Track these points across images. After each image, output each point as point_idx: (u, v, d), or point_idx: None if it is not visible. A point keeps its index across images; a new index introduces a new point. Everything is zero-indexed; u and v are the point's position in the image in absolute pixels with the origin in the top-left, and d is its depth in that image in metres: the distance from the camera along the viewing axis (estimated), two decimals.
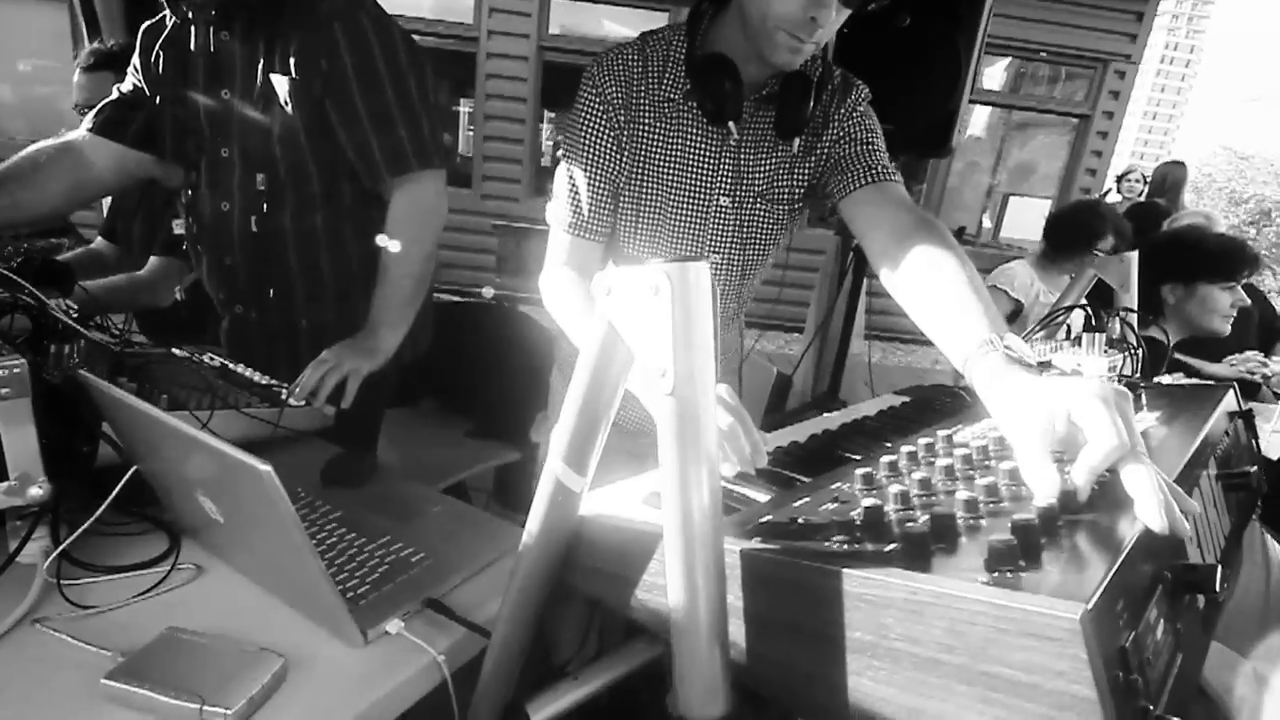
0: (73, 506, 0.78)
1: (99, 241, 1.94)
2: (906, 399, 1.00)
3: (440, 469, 1.67)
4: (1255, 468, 0.69)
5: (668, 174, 0.97)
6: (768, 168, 0.98)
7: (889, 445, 0.73)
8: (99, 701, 0.61)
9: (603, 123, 0.94)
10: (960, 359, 0.65)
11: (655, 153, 0.96)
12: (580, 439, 0.51)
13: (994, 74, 6.14)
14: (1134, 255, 1.47)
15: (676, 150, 0.96)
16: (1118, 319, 1.13)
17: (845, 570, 0.40)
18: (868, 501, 0.47)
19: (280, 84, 1.11)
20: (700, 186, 0.98)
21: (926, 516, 0.43)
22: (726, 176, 0.97)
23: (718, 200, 0.98)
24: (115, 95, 1.22)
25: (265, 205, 1.18)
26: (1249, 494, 0.69)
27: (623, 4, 5.59)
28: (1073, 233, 2.39)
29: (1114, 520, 0.44)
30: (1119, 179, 4.77)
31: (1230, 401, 0.80)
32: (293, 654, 0.67)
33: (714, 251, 1.02)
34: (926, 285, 0.76)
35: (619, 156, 0.96)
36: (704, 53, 0.91)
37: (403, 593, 0.77)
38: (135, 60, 1.20)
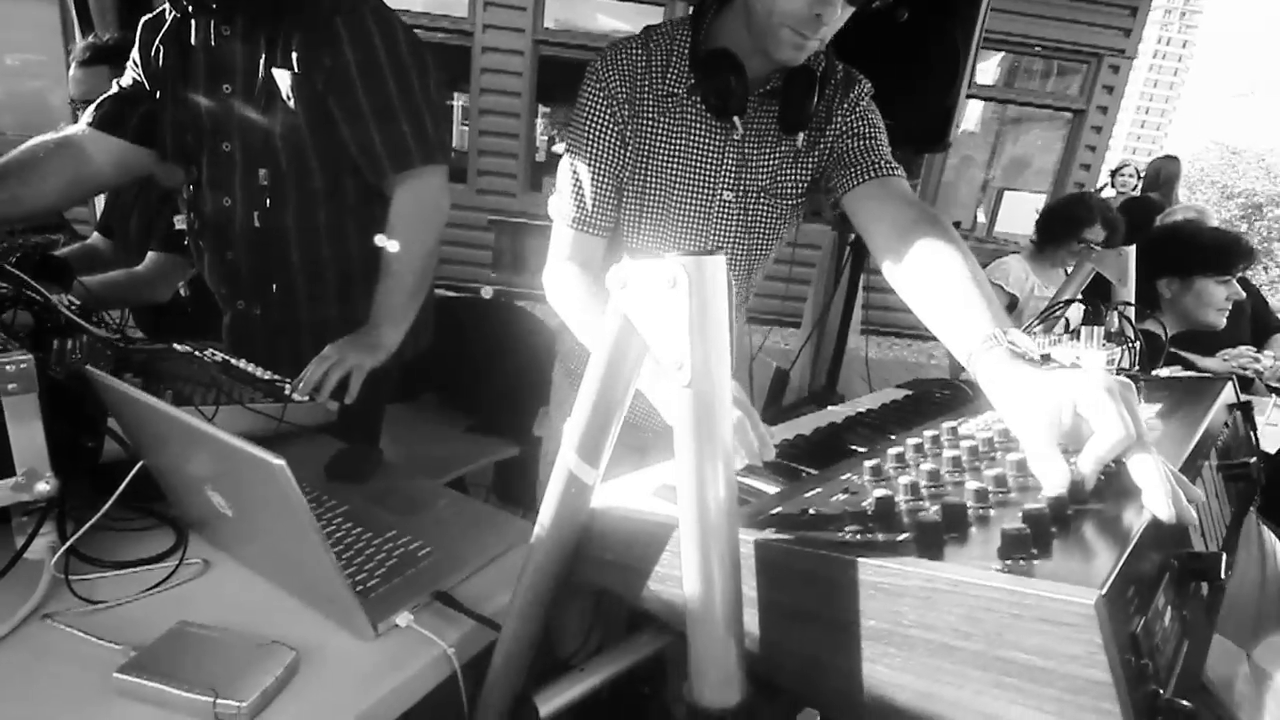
0: (78, 502, 0.78)
1: (95, 237, 1.93)
2: (908, 392, 1.01)
3: (440, 464, 1.68)
4: (1255, 459, 0.70)
5: (671, 169, 0.97)
6: (771, 162, 0.99)
7: (893, 437, 0.74)
8: (111, 696, 0.61)
9: (606, 117, 0.94)
10: (964, 353, 0.66)
11: (659, 147, 0.96)
12: (594, 432, 0.51)
13: (987, 68, 6.16)
14: (1131, 249, 1.48)
15: (680, 145, 0.96)
16: (1116, 313, 1.14)
17: (860, 559, 0.40)
18: (879, 492, 0.48)
19: (282, 79, 1.10)
20: (704, 181, 0.98)
21: (938, 506, 0.44)
22: (730, 171, 0.97)
23: (721, 195, 0.99)
24: (115, 90, 1.21)
25: (268, 201, 1.18)
26: (1248, 484, 0.70)
27: None
28: (1061, 224, 2.42)
29: (1121, 509, 0.45)
30: (1113, 174, 4.80)
31: (1229, 394, 0.81)
32: (303, 647, 0.67)
33: (717, 247, 1.02)
34: (930, 280, 0.76)
35: (623, 151, 0.96)
36: (708, 48, 0.91)
37: (411, 586, 0.78)
38: (135, 55, 1.19)
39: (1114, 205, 3.41)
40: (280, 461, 0.58)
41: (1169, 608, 0.41)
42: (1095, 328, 1.03)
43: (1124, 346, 1.07)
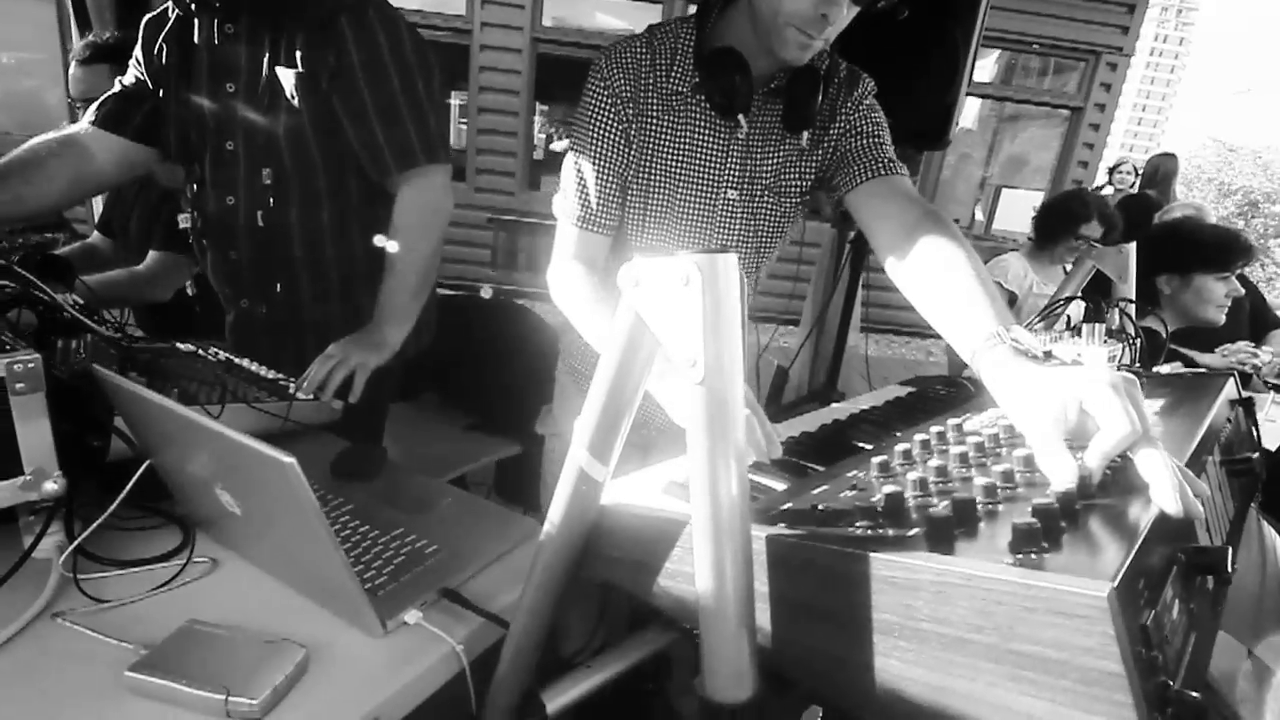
0: (84, 501, 0.78)
1: (94, 236, 1.92)
2: (911, 389, 1.02)
3: (441, 463, 1.68)
4: (1257, 454, 0.70)
5: (676, 167, 0.97)
6: (775, 161, 0.99)
7: (898, 434, 0.74)
8: (123, 694, 0.61)
9: (611, 116, 0.94)
10: (968, 351, 0.67)
11: (663, 146, 0.96)
12: (605, 429, 0.52)
13: (984, 66, 6.16)
14: (1132, 247, 1.49)
15: (684, 143, 0.96)
16: (1117, 309, 1.15)
17: (873, 554, 0.41)
18: (888, 488, 0.48)
19: (286, 78, 1.10)
20: (708, 179, 0.98)
21: (947, 502, 0.44)
22: (734, 169, 0.98)
23: (725, 193, 0.99)
24: (117, 88, 1.21)
25: (271, 200, 1.18)
26: (1250, 479, 0.71)
27: None
28: (1058, 220, 2.43)
29: (1128, 504, 0.45)
30: (1111, 171, 4.81)
31: (1231, 390, 0.81)
32: (312, 644, 0.67)
33: (721, 244, 1.03)
34: (933, 278, 0.77)
35: (627, 150, 0.96)
36: (713, 46, 0.91)
37: (419, 583, 0.78)
38: (138, 53, 1.19)
39: (1112, 202, 3.42)
40: (290, 459, 0.58)
41: (1176, 601, 0.42)
42: (1096, 324, 1.04)
43: (1125, 343, 1.07)
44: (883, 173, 0.92)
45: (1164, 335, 1.31)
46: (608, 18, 5.77)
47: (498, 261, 5.69)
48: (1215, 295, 1.75)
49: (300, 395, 1.07)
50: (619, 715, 0.83)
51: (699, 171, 0.98)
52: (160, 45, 1.16)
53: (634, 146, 0.96)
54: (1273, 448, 1.46)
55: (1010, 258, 2.54)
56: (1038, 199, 5.73)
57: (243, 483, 0.70)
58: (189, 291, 1.56)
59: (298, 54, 1.10)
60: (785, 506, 0.52)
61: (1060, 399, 0.52)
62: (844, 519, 0.47)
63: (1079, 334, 1.03)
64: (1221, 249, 1.75)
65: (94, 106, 1.19)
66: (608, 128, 0.94)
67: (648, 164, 0.97)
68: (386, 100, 1.13)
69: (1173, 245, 1.79)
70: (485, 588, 0.80)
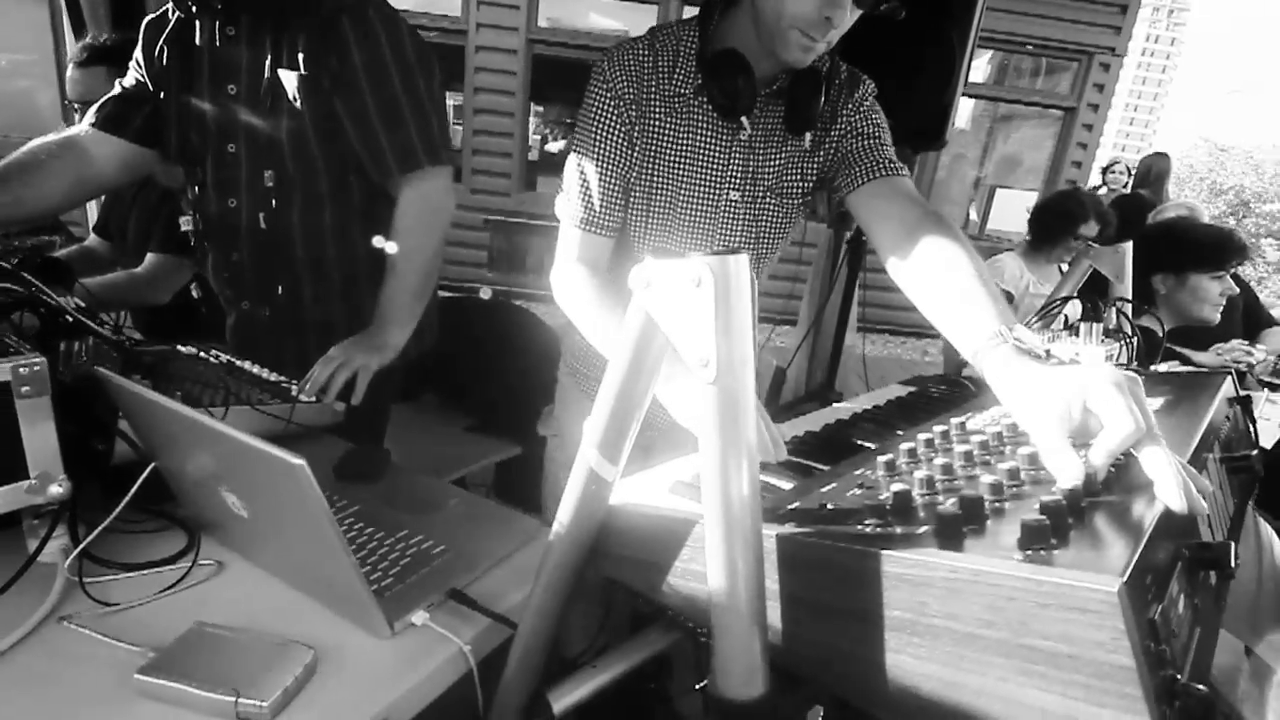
0: (88, 504, 0.78)
1: (91, 238, 1.92)
2: (912, 389, 1.02)
3: (442, 464, 1.68)
4: (1256, 451, 0.71)
5: (678, 169, 0.98)
6: (778, 162, 0.99)
7: (901, 433, 0.75)
8: (132, 697, 0.61)
9: (614, 118, 0.94)
10: (970, 351, 0.67)
11: (666, 148, 0.97)
12: (615, 429, 0.52)
13: (977, 66, 6.18)
14: (1128, 246, 1.50)
15: (687, 145, 0.97)
16: (1114, 309, 1.16)
17: (884, 551, 0.41)
18: (895, 486, 0.49)
19: (289, 80, 1.10)
20: (711, 181, 0.99)
21: (955, 499, 0.45)
22: (737, 171, 0.98)
23: (728, 194, 0.99)
24: (118, 90, 1.20)
25: (273, 202, 1.18)
26: (1249, 476, 0.71)
27: None
28: (1055, 220, 2.45)
29: (1133, 501, 0.46)
30: (1104, 171, 4.84)
31: (1229, 388, 0.82)
32: (320, 646, 0.67)
33: (724, 246, 1.03)
34: (936, 278, 0.78)
35: (630, 152, 0.96)
36: (715, 48, 0.92)
37: (425, 585, 0.78)
38: (138, 55, 1.18)
39: (1106, 202, 3.44)
40: (301, 461, 0.58)
41: (1182, 596, 0.43)
42: (1094, 324, 1.05)
43: (1122, 342, 1.08)
44: (884, 173, 0.93)
45: (1160, 334, 1.32)
46: (602, 19, 5.77)
47: (494, 262, 5.68)
48: (1210, 294, 1.77)
49: (303, 397, 1.07)
50: (621, 715, 0.83)
51: (701, 173, 0.98)
52: (161, 47, 1.16)
53: (636, 148, 0.96)
54: (1268, 445, 1.48)
55: (1006, 258, 2.55)
56: (1032, 199, 5.76)
57: (250, 485, 0.70)
58: (194, 294, 1.56)
59: (299, 56, 1.10)
60: (794, 505, 0.53)
61: (1064, 397, 0.53)
62: (853, 517, 0.48)
63: (1077, 333, 1.04)
64: (1216, 248, 1.76)
65: (94, 109, 1.19)
66: (610, 130, 0.95)
67: (650, 165, 0.97)
68: (389, 102, 1.13)
69: (1168, 245, 1.81)
70: (492, 588, 0.81)
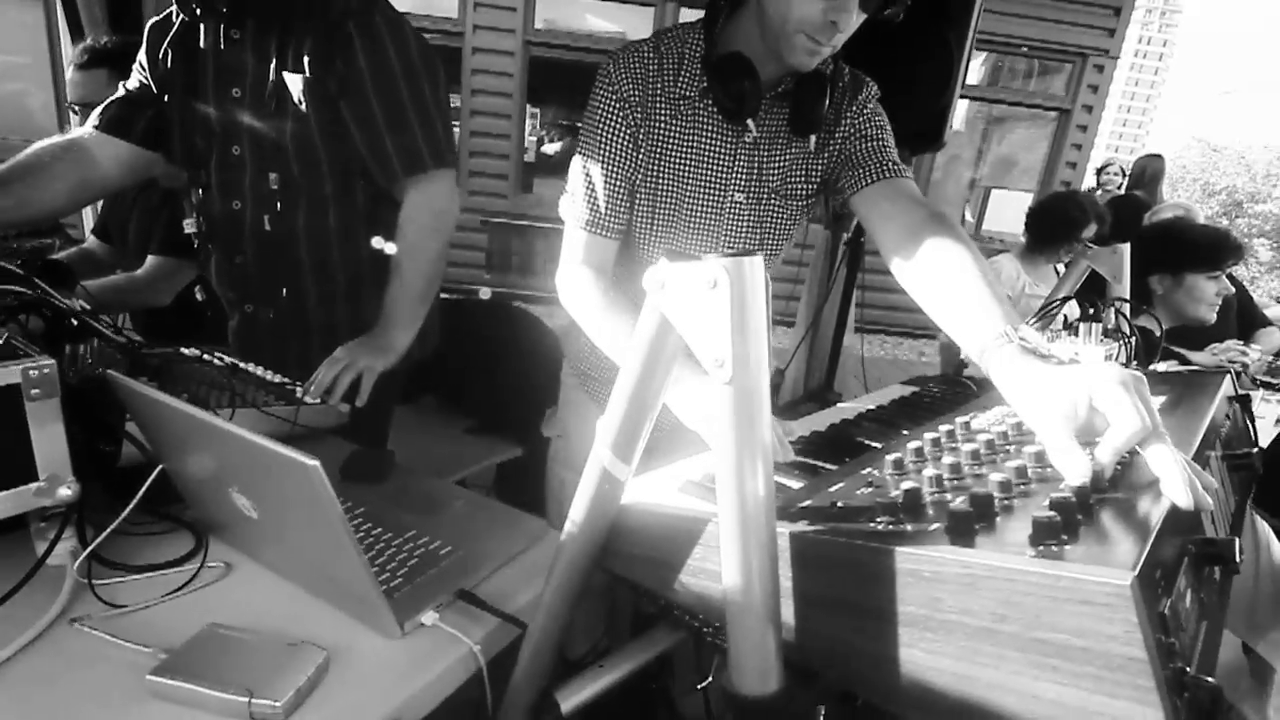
0: (95, 507, 0.78)
1: (91, 240, 1.92)
2: (914, 389, 1.03)
3: (443, 466, 1.68)
4: (1256, 449, 0.72)
5: (683, 171, 0.98)
6: (782, 164, 1.00)
7: (906, 433, 0.76)
8: (144, 697, 0.62)
9: (619, 120, 0.95)
10: (976, 350, 0.68)
11: (671, 150, 0.97)
12: (629, 429, 0.53)
13: (971, 68, 6.19)
14: (1126, 247, 1.51)
15: (692, 147, 0.97)
16: (1113, 309, 1.17)
17: (898, 548, 0.42)
18: (905, 484, 0.50)
19: (294, 83, 1.11)
20: (716, 183, 0.99)
21: (965, 497, 0.46)
22: (741, 173, 0.99)
23: (733, 196, 1.00)
24: (121, 93, 1.20)
25: (278, 204, 1.18)
26: (1249, 474, 0.72)
27: None
28: (1056, 224, 2.46)
29: (1140, 497, 0.47)
30: (1099, 172, 4.86)
31: (1228, 387, 0.83)
32: (330, 647, 0.68)
33: (728, 248, 1.04)
34: (940, 279, 0.78)
35: (635, 154, 0.97)
36: (721, 51, 0.92)
37: (434, 585, 0.79)
38: (142, 58, 1.19)
39: (1100, 203, 3.46)
40: (315, 462, 0.59)
41: (1189, 591, 0.43)
42: (1093, 324, 1.06)
43: (1121, 342, 1.09)
44: (888, 175, 0.94)
45: (1158, 334, 1.34)
46: (598, 20, 5.78)
47: (492, 264, 5.68)
48: (1206, 294, 1.79)
49: (308, 399, 1.07)
50: (624, 715, 0.83)
51: (707, 175, 0.99)
52: (165, 50, 1.16)
53: (642, 150, 0.97)
54: (1265, 444, 1.49)
55: (1002, 259, 2.57)
56: (1027, 200, 5.80)
57: (262, 486, 0.70)
58: (198, 296, 1.56)
59: (305, 59, 1.10)
60: (805, 504, 0.54)
61: (1070, 396, 0.54)
62: (865, 515, 0.49)
63: (1076, 333, 1.05)
64: (1213, 248, 1.78)
65: (97, 111, 1.19)
66: (616, 132, 0.95)
67: (656, 168, 0.98)
68: (394, 107, 1.13)
69: (1164, 245, 1.82)
70: (500, 588, 0.81)
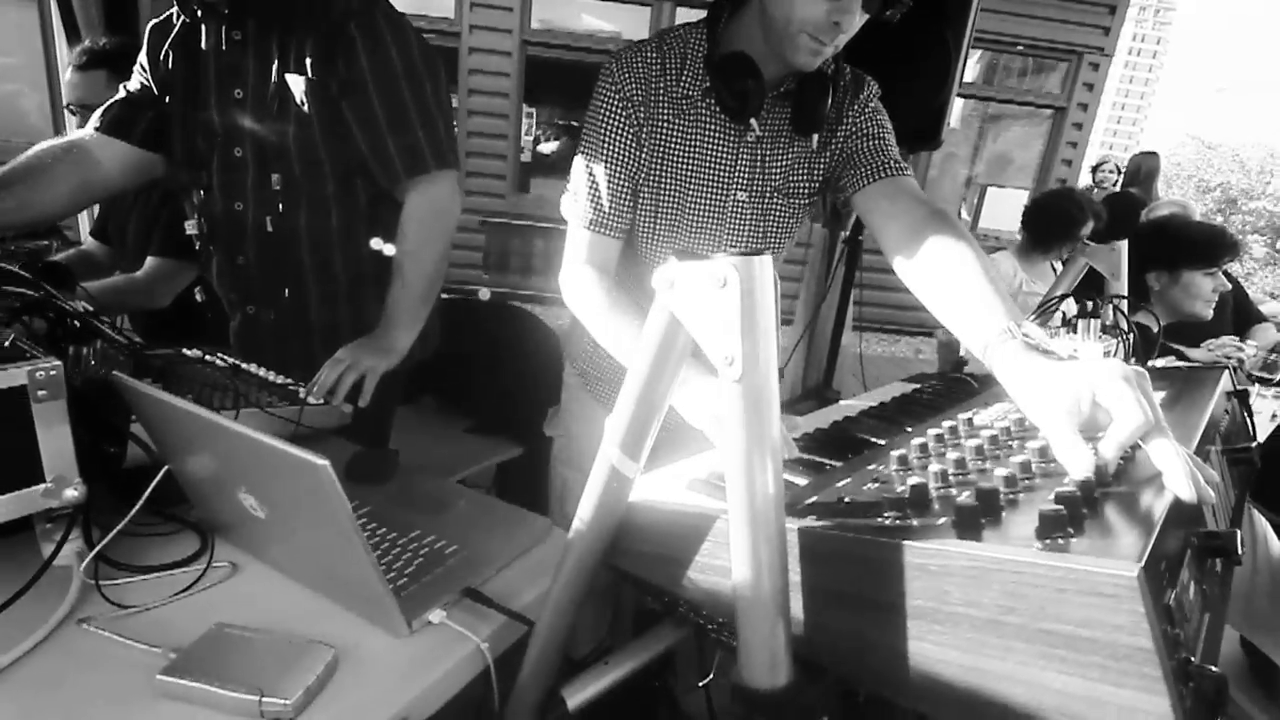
0: (100, 508, 0.79)
1: (89, 242, 1.91)
2: (915, 386, 1.04)
3: (444, 466, 1.69)
4: (1255, 444, 0.73)
5: (686, 170, 0.99)
6: (785, 163, 1.01)
7: (909, 430, 0.76)
8: (153, 697, 0.62)
9: (622, 120, 0.95)
10: (980, 347, 0.69)
11: (674, 149, 0.98)
12: (637, 427, 0.53)
13: (968, 65, 6.22)
14: (1124, 244, 1.52)
15: (695, 147, 0.98)
16: (1111, 306, 1.18)
17: (905, 542, 0.42)
18: (912, 480, 0.50)
19: (296, 84, 1.11)
20: (718, 182, 1.00)
21: (971, 492, 0.46)
22: (744, 172, 1.00)
23: (735, 195, 1.01)
24: (122, 94, 1.21)
25: (280, 205, 1.18)
26: (1248, 468, 0.73)
27: None
28: (1054, 221, 2.46)
29: (1143, 491, 0.47)
30: (1094, 169, 4.88)
31: (1227, 382, 0.84)
32: (338, 645, 0.68)
33: (731, 246, 1.04)
34: (943, 276, 0.79)
35: (638, 153, 0.97)
36: (723, 51, 0.93)
37: (440, 583, 0.79)
38: (143, 59, 1.19)
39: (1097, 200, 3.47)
40: (324, 462, 0.59)
41: (1192, 582, 0.44)
42: (1092, 320, 1.07)
43: (1119, 338, 1.10)
44: (889, 174, 0.95)
45: (1156, 330, 1.35)
46: (594, 20, 5.78)
47: (490, 264, 5.68)
48: (1203, 290, 1.80)
49: (311, 400, 1.07)
50: (628, 712, 0.84)
51: (709, 174, 0.99)
52: (166, 52, 1.16)
53: (645, 150, 0.97)
54: (1261, 438, 1.50)
55: (999, 256, 2.58)
56: (1023, 197, 5.82)
57: (270, 486, 0.70)
58: (198, 298, 1.56)
59: (307, 61, 1.10)
60: (812, 500, 0.54)
61: (1073, 392, 0.54)
62: (872, 510, 0.49)
63: (1074, 330, 1.06)
64: (1209, 245, 1.79)
65: (99, 112, 1.19)
66: (619, 131, 0.96)
67: (658, 167, 0.99)
68: (397, 108, 1.13)
69: (1161, 242, 1.83)
70: (505, 587, 0.81)
